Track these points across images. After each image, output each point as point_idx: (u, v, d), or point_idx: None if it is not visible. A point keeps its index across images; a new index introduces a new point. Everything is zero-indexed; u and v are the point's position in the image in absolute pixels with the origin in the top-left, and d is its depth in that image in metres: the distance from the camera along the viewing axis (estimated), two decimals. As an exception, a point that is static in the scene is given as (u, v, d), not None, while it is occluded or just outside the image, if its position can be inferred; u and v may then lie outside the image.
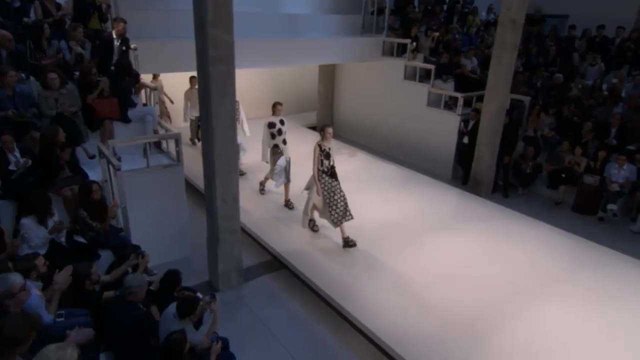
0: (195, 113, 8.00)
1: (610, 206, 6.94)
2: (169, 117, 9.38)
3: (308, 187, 5.79)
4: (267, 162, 6.77)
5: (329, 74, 11.34)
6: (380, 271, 5.27)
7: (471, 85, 8.88)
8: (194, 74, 7.53)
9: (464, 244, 5.98)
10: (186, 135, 8.70)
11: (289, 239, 5.97)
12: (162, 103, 9.08)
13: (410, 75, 9.38)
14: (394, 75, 9.63)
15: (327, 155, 5.57)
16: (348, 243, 5.60)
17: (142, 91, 6.27)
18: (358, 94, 10.85)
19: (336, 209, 5.52)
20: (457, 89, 8.80)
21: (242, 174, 7.47)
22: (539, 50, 10.48)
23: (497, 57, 7.23)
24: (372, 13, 10.13)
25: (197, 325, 3.52)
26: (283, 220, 6.48)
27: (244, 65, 8.34)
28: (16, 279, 2.66)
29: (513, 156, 8.11)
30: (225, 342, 3.59)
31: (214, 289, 5.12)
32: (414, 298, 4.83)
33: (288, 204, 6.79)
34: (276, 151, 6.58)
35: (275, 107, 6.60)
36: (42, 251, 3.68)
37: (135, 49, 6.14)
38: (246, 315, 4.82)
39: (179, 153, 5.35)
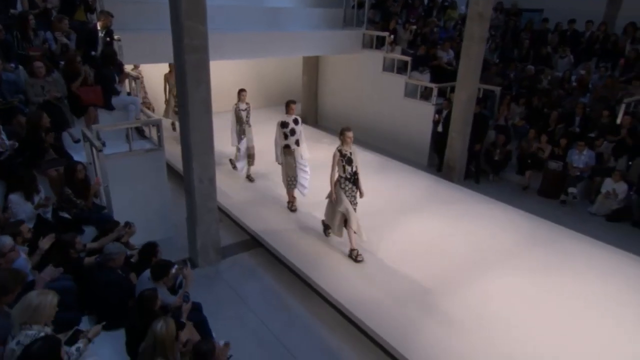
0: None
1: (571, 189, 7.37)
2: (149, 108, 9.48)
3: (328, 197, 5.43)
4: (279, 164, 6.38)
5: (312, 66, 11.67)
6: (345, 247, 5.64)
7: (447, 76, 9.25)
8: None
9: (430, 224, 6.38)
10: (167, 124, 8.78)
11: (266, 219, 6.34)
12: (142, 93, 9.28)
13: (389, 66, 9.73)
14: (373, 67, 9.97)
15: (349, 161, 5.18)
16: (354, 256, 5.37)
17: (126, 81, 6.58)
18: (340, 85, 11.19)
19: (334, 219, 5.39)
20: (434, 80, 9.17)
21: (251, 180, 7.47)
22: (514, 43, 10.88)
23: (466, 49, 7.60)
24: (353, 7, 10.45)
25: (173, 293, 3.88)
26: (263, 204, 6.85)
27: (228, 57, 8.71)
28: (7, 240, 3.00)
29: (485, 144, 8.52)
30: (198, 305, 3.96)
31: (194, 265, 5.49)
32: (378, 269, 5.23)
33: (291, 207, 6.58)
34: (288, 152, 6.21)
35: (289, 105, 6.21)
36: (29, 225, 4.02)
37: (119, 40, 6.43)
38: (222, 288, 5.20)
39: (160, 138, 5.68)
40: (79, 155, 5.20)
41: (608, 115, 7.73)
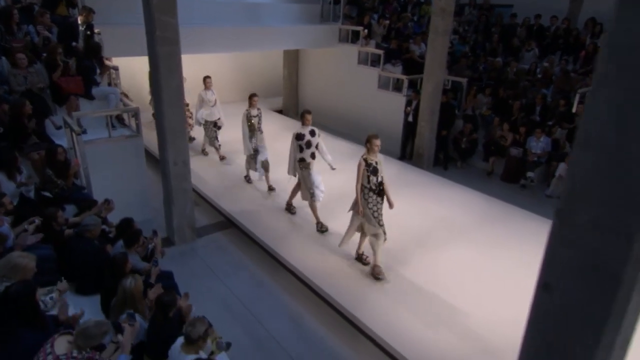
0: (210, 117, 7.92)
1: (529, 174, 7.88)
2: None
3: (352, 209, 5.07)
4: (294, 176, 6.01)
5: (293, 60, 12.06)
6: (312, 225, 6.06)
7: (419, 68, 9.65)
8: (208, 73, 8.13)
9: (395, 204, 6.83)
10: (147, 112, 8.78)
11: (240, 202, 6.75)
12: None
13: (364, 60, 10.16)
14: (349, 60, 10.39)
15: (375, 171, 4.81)
16: (362, 259, 5.26)
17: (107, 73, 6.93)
18: (319, 78, 11.60)
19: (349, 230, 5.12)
20: (407, 72, 9.61)
21: (271, 189, 6.99)
22: (485, 37, 11.36)
23: (432, 42, 8.05)
24: (330, 2, 10.84)
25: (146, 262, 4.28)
26: (238, 188, 7.25)
27: (209, 50, 9.08)
28: (-10, 209, 3.38)
29: (453, 132, 9.00)
30: (169, 273, 4.36)
31: (171, 243, 5.89)
32: (328, 243, 5.67)
33: (290, 209, 6.39)
34: (303, 165, 5.78)
35: (304, 116, 5.76)
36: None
37: (99, 34, 6.77)
38: (196, 263, 5.61)
39: (138, 125, 6.05)
40: (61, 141, 5.55)
41: (564, 105, 8.24)
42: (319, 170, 5.96)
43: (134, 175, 6.14)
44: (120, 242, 4.01)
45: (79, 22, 6.53)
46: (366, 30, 10.10)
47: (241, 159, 8.09)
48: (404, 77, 9.25)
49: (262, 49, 10.71)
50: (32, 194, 4.70)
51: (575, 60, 9.68)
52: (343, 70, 10.68)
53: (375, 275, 4.97)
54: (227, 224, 6.50)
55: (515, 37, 10.80)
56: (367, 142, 4.88)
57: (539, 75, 9.71)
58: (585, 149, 1.43)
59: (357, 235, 5.23)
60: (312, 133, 5.77)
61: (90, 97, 6.16)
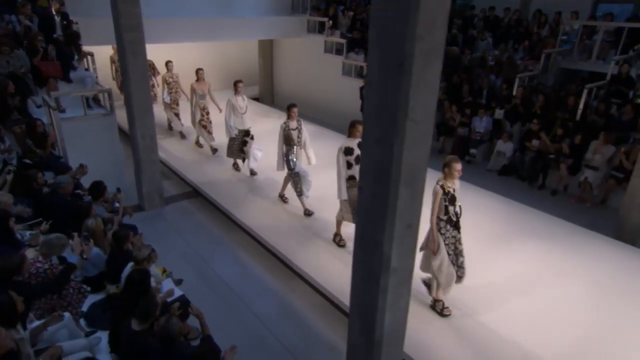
0: (241, 125, 7.14)
1: (472, 151, 8.70)
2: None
3: (424, 247, 4.30)
4: (344, 200, 5.13)
5: (267, 49, 12.77)
6: (273, 192, 6.83)
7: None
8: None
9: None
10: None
11: (206, 174, 7.51)
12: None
13: (329, 49, 10.91)
14: (317, 49, 11.14)
15: (453, 199, 4.10)
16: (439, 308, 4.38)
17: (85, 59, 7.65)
18: (292, 67, 12.34)
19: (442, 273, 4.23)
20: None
21: (309, 214, 6.16)
22: (447, 27, 12.11)
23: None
24: (300, -6, 11.57)
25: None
26: (205, 162, 8.01)
27: (183, 40, 9.78)
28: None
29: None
30: (133, 226, 5.11)
31: (141, 209, 6.64)
32: (283, 206, 6.45)
33: (338, 241, 5.53)
34: (352, 184, 5.02)
35: (354, 127, 4.89)
36: (-3, 167, 5.12)
37: (77, 23, 7.47)
38: (163, 226, 6.38)
39: (111, 105, 6.78)
40: (42, 119, 6.27)
41: (506, 88, 9.04)
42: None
43: (109, 149, 6.87)
44: (89, 198, 4.76)
45: (54, 12, 7.23)
46: (331, 21, 10.83)
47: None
48: (364, 64, 10.00)
49: (235, 39, 11.42)
50: (14, 162, 5.43)
51: (525, 48, 10.48)
52: (311, 59, 11.42)
53: (441, 312, 4.32)
54: (193, 193, 7.27)
55: (471, 28, 11.57)
56: (446, 167, 4.07)
57: (492, 63, 10.51)
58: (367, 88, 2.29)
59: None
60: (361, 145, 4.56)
61: (68, 79, 6.87)
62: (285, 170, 6.14)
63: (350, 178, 5.01)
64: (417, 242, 2.67)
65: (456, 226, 4.17)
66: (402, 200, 2.39)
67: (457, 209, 4.10)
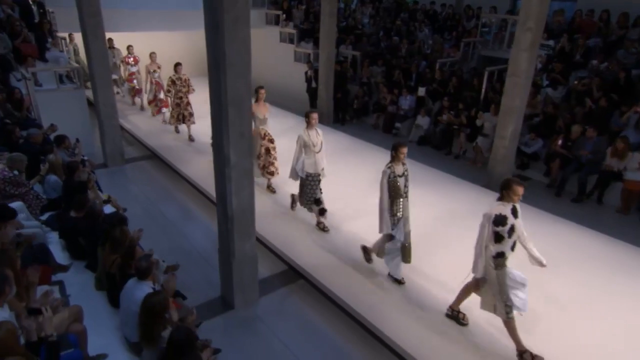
0: (315, 168, 5.57)
1: (397, 124, 10.10)
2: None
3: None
4: (486, 286, 3.89)
5: (234, 40, 14.10)
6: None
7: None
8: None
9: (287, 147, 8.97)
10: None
11: (164, 141, 8.88)
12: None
13: (284, 39, 12.28)
14: (274, 40, 12.51)
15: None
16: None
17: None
18: (255, 55, 13.61)
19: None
20: (317, 48, 11.74)
21: (401, 282, 4.75)
22: (393, 21, 13.52)
23: (323, 23, 10.18)
24: (260, -11, 12.93)
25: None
26: (166, 133, 9.38)
27: (145, 29, 11.09)
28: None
29: (350, 96, 11.15)
30: (124, 219, 6.46)
31: (105, 166, 8.01)
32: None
33: (460, 317, 4.29)
34: (500, 263, 3.72)
35: (510, 187, 3.60)
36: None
37: (52, 12, 8.82)
38: (122, 178, 7.75)
39: (80, 80, 8.15)
40: (21, 90, 7.63)
41: (430, 72, 10.43)
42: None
43: (79, 117, 8.24)
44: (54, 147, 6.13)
45: (30, 2, 8.60)
46: (284, 15, 12.21)
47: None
48: (310, 51, 11.39)
49: (197, 29, 12.69)
50: (-4, 122, 6.78)
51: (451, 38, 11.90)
52: (270, 48, 12.79)
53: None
54: (152, 156, 8.64)
55: (412, 21, 12.98)
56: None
57: (428, 51, 11.91)
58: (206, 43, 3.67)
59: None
60: (515, 212, 3.70)
61: (44, 59, 8.23)
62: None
63: (499, 255, 3.69)
64: (250, 147, 4.04)
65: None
66: (232, 116, 3.77)
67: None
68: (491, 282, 3.78)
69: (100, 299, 4.01)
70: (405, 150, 4.41)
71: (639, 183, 6.53)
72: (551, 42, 9.61)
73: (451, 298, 4.28)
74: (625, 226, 6.50)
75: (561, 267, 4.92)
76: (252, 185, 4.19)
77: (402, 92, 10.11)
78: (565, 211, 6.74)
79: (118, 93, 11.04)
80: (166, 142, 8.88)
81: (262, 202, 5.96)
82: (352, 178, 7.39)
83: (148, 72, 9.74)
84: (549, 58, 9.42)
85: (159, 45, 11.69)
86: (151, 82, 9.82)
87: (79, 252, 4.42)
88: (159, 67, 9.90)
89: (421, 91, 10.10)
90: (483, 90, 9.28)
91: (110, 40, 10.66)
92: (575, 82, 8.47)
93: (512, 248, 3.73)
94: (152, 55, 9.80)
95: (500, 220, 3.61)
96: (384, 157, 6.57)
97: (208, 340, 3.29)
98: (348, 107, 11.17)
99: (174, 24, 11.31)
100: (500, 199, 3.70)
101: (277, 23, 12.50)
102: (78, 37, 10.84)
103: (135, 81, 10.83)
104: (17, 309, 2.42)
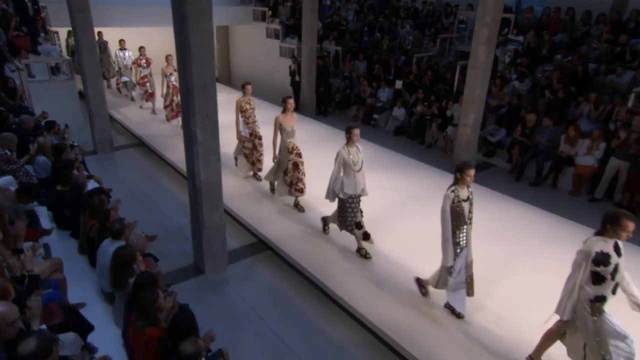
0: (355, 189, 4.98)
1: (375, 116, 10.59)
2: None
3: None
4: (597, 334, 3.24)
5: (224, 35, 14.59)
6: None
7: (313, 41, 12.29)
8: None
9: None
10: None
11: (150, 128, 9.36)
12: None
13: (270, 34, 12.75)
14: (260, 35, 12.98)
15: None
16: None
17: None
18: (243, 50, 14.17)
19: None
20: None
21: (460, 317, 4.23)
22: (377, 18, 13.99)
23: (305, 19, 10.65)
24: (247, -14, 13.39)
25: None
26: (152, 121, 9.87)
27: (138, 25, 11.55)
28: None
29: (332, 89, 11.63)
30: (122, 220, 6.95)
31: (95, 153, 8.50)
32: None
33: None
34: (598, 308, 3.26)
35: (622, 222, 3.12)
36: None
37: (45, 8, 9.28)
38: (111, 164, 8.24)
39: (71, 72, 8.63)
40: (15, 80, 8.10)
41: (407, 66, 10.92)
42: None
43: (70, 108, 8.71)
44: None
45: (23, -3, 9.07)
46: (270, 11, 12.68)
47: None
48: (294, 47, 11.87)
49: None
50: (-8, 109, 7.26)
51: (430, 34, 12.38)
52: (257, 43, 13.28)
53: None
54: (139, 143, 9.14)
55: (394, 17, 13.45)
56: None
57: (408, 47, 12.38)
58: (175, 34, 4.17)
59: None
60: (618, 250, 3.19)
61: (36, 52, 8.70)
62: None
63: (597, 300, 3.22)
64: (217, 127, 4.53)
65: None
66: (198, 99, 4.26)
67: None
68: (586, 330, 3.22)
69: (83, 261, 4.51)
70: (472, 172, 3.82)
71: (588, 167, 7.04)
72: (520, 38, 10.10)
73: (401, 260, 4.84)
74: (576, 207, 7.02)
75: (519, 244, 5.48)
76: (219, 162, 4.68)
77: (381, 85, 10.60)
78: (524, 194, 7.26)
79: (126, 96, 11.47)
80: (154, 131, 9.37)
81: (288, 221, 5.92)
82: (328, 163, 7.81)
83: (164, 75, 9.35)
84: (518, 53, 9.92)
85: (156, 42, 12.17)
86: (167, 86, 9.47)
87: (64, 223, 4.92)
88: (175, 70, 9.42)
89: (398, 84, 10.59)
90: (455, 82, 9.77)
91: (122, 41, 11.20)
92: (539, 76, 8.97)
93: (614, 291, 3.18)
94: (168, 58, 9.18)
95: (602, 259, 3.09)
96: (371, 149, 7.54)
97: (174, 292, 3.77)
98: (330, 99, 11.66)
99: (167, 20, 11.74)
100: (600, 233, 3.14)
101: (263, 19, 12.96)
102: (106, 35, 11.40)
103: (147, 84, 10.46)
104: (3, 254, 2.90)
